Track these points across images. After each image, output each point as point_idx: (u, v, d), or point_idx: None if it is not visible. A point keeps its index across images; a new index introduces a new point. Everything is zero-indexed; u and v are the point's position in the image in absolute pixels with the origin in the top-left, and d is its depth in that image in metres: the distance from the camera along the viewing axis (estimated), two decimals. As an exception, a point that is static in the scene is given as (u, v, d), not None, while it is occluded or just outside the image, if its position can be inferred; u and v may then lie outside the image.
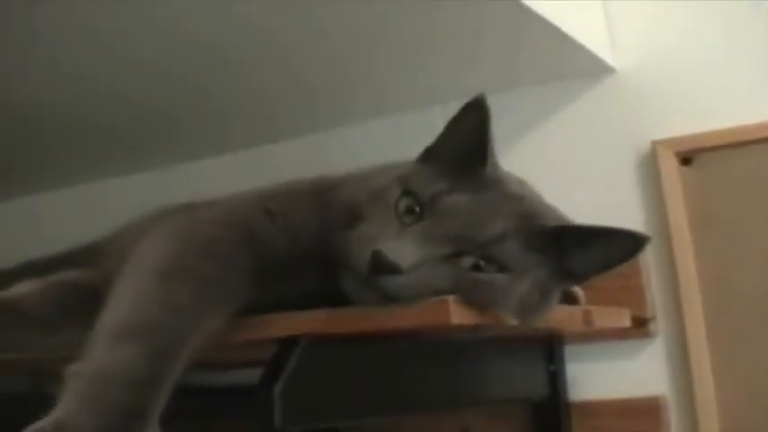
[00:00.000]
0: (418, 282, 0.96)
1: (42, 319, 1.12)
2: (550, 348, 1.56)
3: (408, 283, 0.95)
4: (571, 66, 1.63)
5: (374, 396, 1.08)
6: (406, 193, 1.03)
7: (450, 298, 0.96)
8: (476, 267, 0.99)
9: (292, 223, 1.07)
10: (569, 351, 1.60)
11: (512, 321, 1.03)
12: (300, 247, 1.05)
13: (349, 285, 1.00)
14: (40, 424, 0.78)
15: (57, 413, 0.80)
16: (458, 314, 0.96)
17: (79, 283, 1.18)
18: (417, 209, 1.02)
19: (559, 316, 1.20)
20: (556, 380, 1.56)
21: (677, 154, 1.57)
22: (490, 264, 1.00)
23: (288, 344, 0.98)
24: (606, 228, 1.05)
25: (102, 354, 0.85)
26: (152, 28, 1.37)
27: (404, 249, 0.96)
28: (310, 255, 1.05)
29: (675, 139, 1.57)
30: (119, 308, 0.92)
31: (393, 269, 0.94)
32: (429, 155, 1.12)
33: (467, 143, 1.07)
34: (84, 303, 1.10)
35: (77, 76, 1.54)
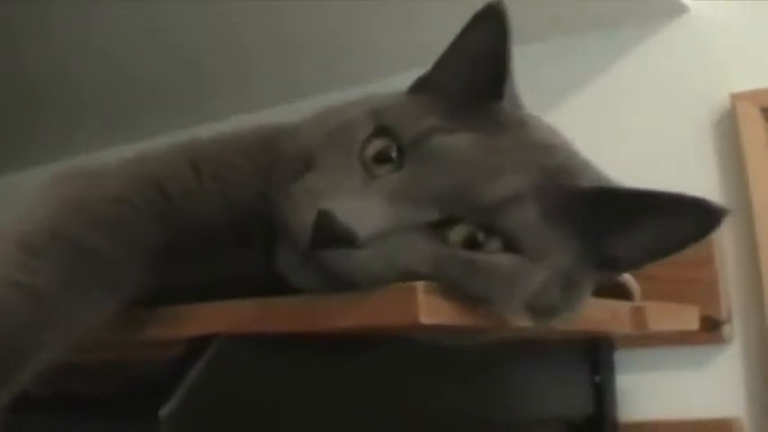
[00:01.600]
0: (382, 260, 0.73)
1: None
2: (596, 355, 1.38)
3: (367, 260, 0.72)
4: (637, 4, 1.50)
5: (330, 424, 0.86)
6: (381, 131, 0.80)
7: (420, 285, 0.72)
8: (471, 242, 0.76)
9: (227, 183, 0.85)
10: (620, 358, 1.44)
11: (519, 322, 0.78)
12: (236, 215, 0.83)
13: (284, 262, 0.76)
14: None
15: None
16: (430, 310, 0.72)
17: None
18: (395, 155, 0.78)
19: (600, 315, 1.01)
20: (602, 394, 1.38)
21: (763, 110, 1.43)
22: (492, 237, 0.76)
23: (193, 347, 0.76)
24: (665, 193, 0.81)
25: None
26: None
27: (364, 210, 0.73)
28: (249, 225, 0.83)
29: (760, 91, 1.43)
30: None
31: (345, 238, 0.71)
32: (422, 85, 0.88)
33: (476, 68, 0.84)
34: None
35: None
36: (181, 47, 1.64)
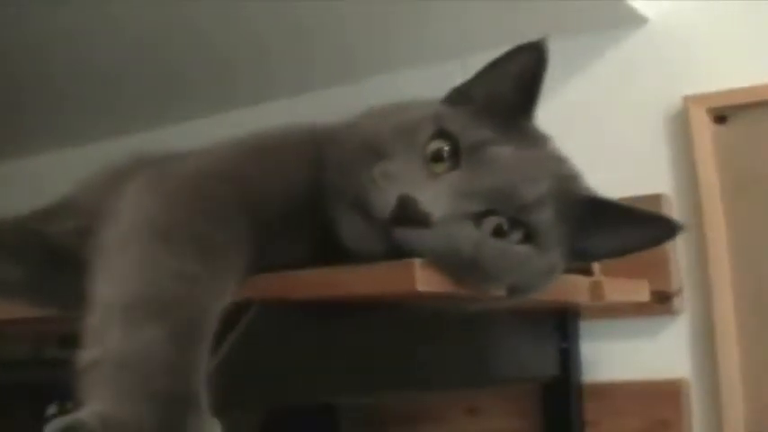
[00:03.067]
0: (442, 239, 0.83)
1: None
2: (563, 324, 1.45)
3: (432, 238, 0.83)
4: (600, 15, 1.53)
5: (343, 374, 0.96)
6: (441, 134, 0.89)
7: (417, 261, 0.82)
8: (498, 231, 0.87)
9: (286, 176, 0.92)
10: (584, 327, 1.50)
11: (496, 293, 0.90)
12: (295, 204, 0.90)
13: (352, 234, 0.86)
14: (76, 417, 0.64)
15: (92, 406, 0.66)
16: (425, 280, 0.82)
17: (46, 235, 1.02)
18: (447, 155, 0.88)
19: (563, 287, 1.06)
20: (568, 358, 1.45)
21: (710, 111, 1.47)
22: (515, 229, 0.87)
23: (233, 311, 0.82)
24: (639, 209, 0.97)
25: (121, 337, 0.70)
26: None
27: (436, 199, 0.83)
28: (305, 212, 0.90)
29: (709, 94, 1.47)
30: (122, 279, 0.76)
31: (422, 220, 0.82)
32: (459, 96, 0.97)
33: (512, 89, 0.94)
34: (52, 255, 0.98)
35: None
36: (156, 46, 1.60)
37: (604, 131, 1.56)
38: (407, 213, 0.82)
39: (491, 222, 0.86)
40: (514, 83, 0.94)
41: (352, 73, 1.78)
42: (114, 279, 0.76)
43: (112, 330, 0.70)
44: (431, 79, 1.61)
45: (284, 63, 1.74)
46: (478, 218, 0.86)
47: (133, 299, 0.73)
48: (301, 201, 0.90)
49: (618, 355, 1.50)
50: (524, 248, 0.87)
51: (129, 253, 0.78)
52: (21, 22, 1.45)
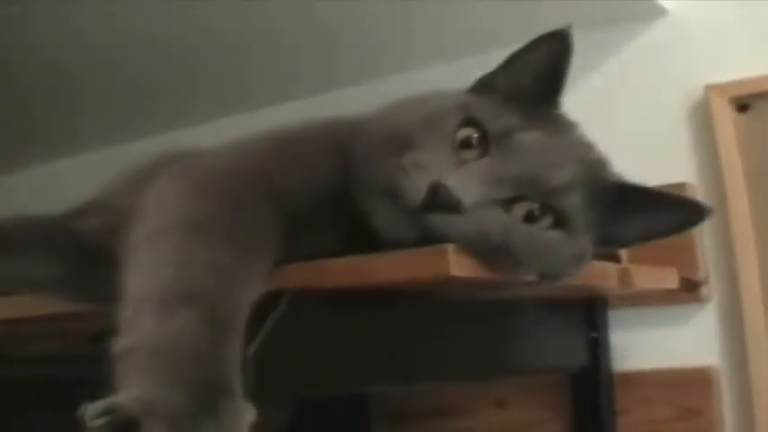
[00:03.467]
0: (472, 225, 0.84)
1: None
2: (592, 313, 1.44)
3: (462, 224, 0.83)
4: (620, 7, 1.53)
5: (373, 363, 0.96)
6: (469, 122, 0.90)
7: (450, 246, 0.82)
8: (529, 217, 0.87)
9: (310, 172, 0.93)
10: (613, 316, 1.49)
11: (527, 278, 0.91)
12: (321, 195, 0.92)
13: (385, 222, 0.87)
14: (115, 400, 0.65)
15: (130, 391, 0.67)
16: (459, 265, 0.82)
17: (77, 233, 1.03)
18: (476, 143, 0.89)
19: (592, 273, 1.06)
20: (597, 348, 1.44)
21: (732, 100, 1.45)
22: (546, 214, 0.88)
23: (267, 300, 0.84)
24: (667, 194, 0.99)
25: (154, 325, 0.71)
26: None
27: (466, 186, 0.84)
28: (331, 203, 0.92)
29: (730, 83, 1.45)
30: (152, 272, 0.77)
31: (453, 206, 0.82)
32: (484, 86, 0.99)
33: (536, 78, 0.95)
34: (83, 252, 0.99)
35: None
36: (176, 46, 1.59)
37: (627, 123, 1.54)
38: (439, 200, 0.82)
39: (522, 208, 0.87)
40: (539, 71, 0.95)
41: (375, 71, 1.77)
42: (145, 272, 0.77)
43: (145, 319, 0.71)
44: (454, 75, 1.60)
45: (305, 62, 1.74)
46: (508, 204, 0.86)
47: (164, 289, 0.74)
48: (327, 192, 0.91)
49: (646, 344, 1.49)
50: (554, 234, 0.88)
51: (159, 247, 0.79)
52: (36, 24, 1.46)
